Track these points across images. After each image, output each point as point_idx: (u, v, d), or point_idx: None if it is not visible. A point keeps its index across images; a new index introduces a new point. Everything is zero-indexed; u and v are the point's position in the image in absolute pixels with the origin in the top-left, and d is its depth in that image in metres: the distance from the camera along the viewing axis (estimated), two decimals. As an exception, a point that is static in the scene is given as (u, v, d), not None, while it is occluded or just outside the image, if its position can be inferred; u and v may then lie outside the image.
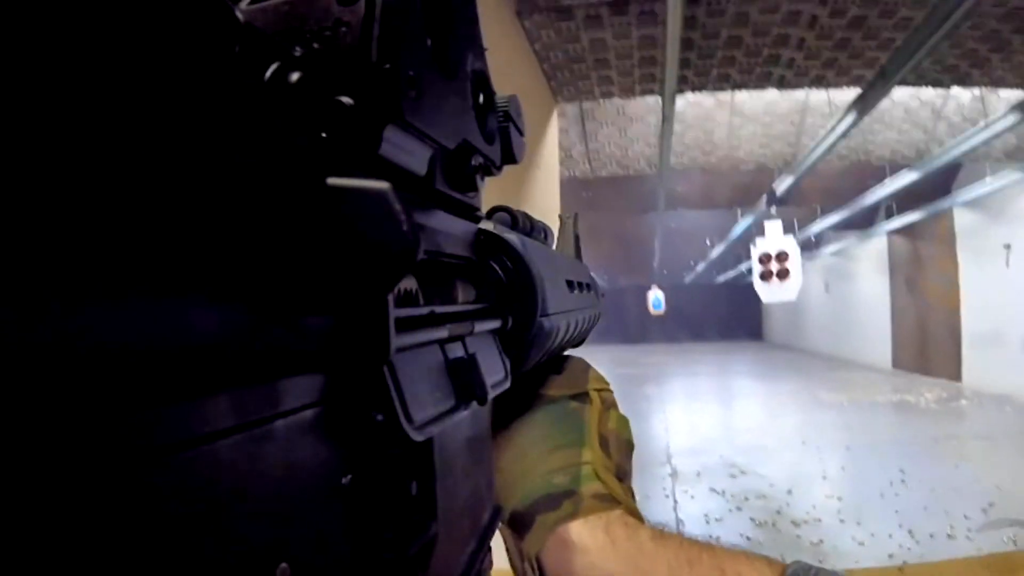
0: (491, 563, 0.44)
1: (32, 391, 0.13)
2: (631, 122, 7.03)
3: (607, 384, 0.75)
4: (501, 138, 0.46)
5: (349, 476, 0.27)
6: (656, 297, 21.34)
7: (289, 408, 0.23)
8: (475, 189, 0.41)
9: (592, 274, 0.84)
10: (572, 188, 8.85)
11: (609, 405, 0.72)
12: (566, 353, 0.75)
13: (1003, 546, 4.21)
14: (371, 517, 0.28)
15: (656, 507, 5.38)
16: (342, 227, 0.22)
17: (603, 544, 0.58)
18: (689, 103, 6.85)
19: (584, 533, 0.59)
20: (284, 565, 0.21)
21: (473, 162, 0.38)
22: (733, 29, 4.28)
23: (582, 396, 0.70)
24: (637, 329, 26.48)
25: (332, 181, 0.22)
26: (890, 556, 4.19)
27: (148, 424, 0.16)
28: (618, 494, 0.63)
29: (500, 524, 0.61)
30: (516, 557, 0.63)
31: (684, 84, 5.05)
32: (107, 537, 0.15)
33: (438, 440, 0.34)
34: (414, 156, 0.33)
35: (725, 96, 6.79)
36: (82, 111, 0.15)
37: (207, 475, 0.18)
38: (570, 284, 0.64)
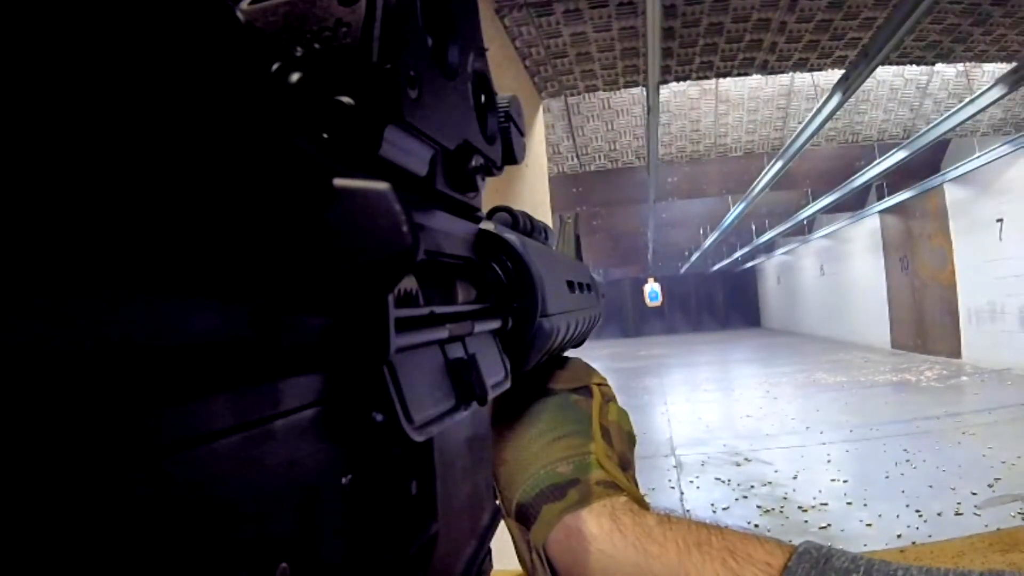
0: (491, 563, 0.44)
1: (32, 390, 0.13)
2: (617, 115, 7.03)
3: (605, 380, 0.75)
4: (502, 138, 0.46)
5: (349, 476, 0.27)
6: (653, 289, 21.44)
7: (289, 408, 0.23)
8: (475, 189, 0.41)
9: (592, 275, 0.84)
10: (562, 183, 8.85)
11: (609, 398, 0.72)
12: (566, 355, 0.76)
13: (1011, 522, 4.21)
14: (371, 517, 0.28)
15: (662, 499, 5.38)
16: (342, 227, 0.22)
17: (610, 530, 0.58)
18: (674, 93, 6.87)
19: (590, 521, 0.59)
20: (284, 565, 0.21)
21: (473, 162, 0.38)
22: (713, 16, 4.28)
23: (583, 390, 0.71)
24: (635, 322, 26.53)
25: (333, 182, 0.22)
26: (898, 536, 4.20)
27: (147, 423, 0.16)
28: (622, 482, 0.63)
29: (506, 516, 0.61)
30: (523, 549, 0.63)
31: (667, 74, 5.05)
32: (106, 536, 0.15)
33: (438, 440, 0.34)
34: (414, 156, 0.33)
35: (709, 84, 6.81)
36: (83, 111, 0.15)
37: (207, 475, 0.18)
38: (570, 284, 0.64)
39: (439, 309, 0.36)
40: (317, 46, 0.28)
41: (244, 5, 0.28)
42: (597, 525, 0.58)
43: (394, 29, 0.28)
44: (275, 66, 0.26)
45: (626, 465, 0.68)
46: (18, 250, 0.13)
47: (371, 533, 0.28)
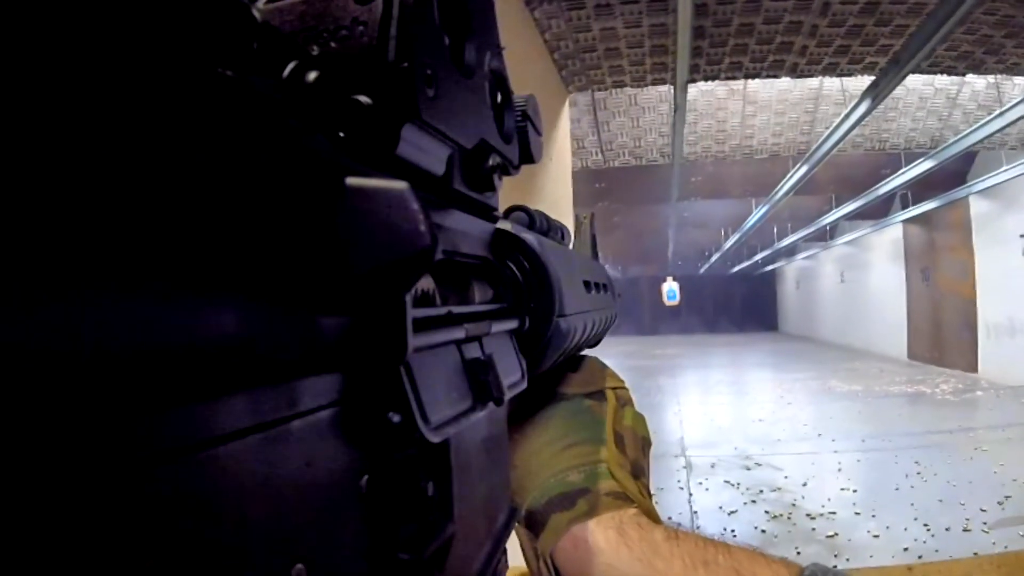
0: (507, 564, 0.44)
1: (50, 393, 0.13)
2: (643, 111, 7.01)
3: (623, 382, 0.74)
4: (519, 137, 0.46)
5: (366, 477, 0.26)
6: (671, 288, 21.42)
7: (306, 408, 0.23)
8: (492, 189, 0.40)
9: (608, 274, 0.84)
10: (585, 178, 8.84)
11: (624, 402, 0.72)
12: (582, 353, 0.75)
13: (1020, 542, 4.18)
14: (387, 518, 0.28)
15: (671, 499, 5.38)
16: (360, 227, 0.22)
17: (616, 544, 0.58)
18: (701, 92, 6.84)
19: (598, 533, 0.58)
20: (300, 566, 0.21)
21: (491, 162, 0.38)
22: (744, 16, 4.26)
23: (598, 394, 0.70)
24: (651, 320, 26.48)
25: (350, 181, 0.22)
26: (905, 550, 4.18)
27: (165, 425, 0.16)
28: (632, 493, 0.63)
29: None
30: (531, 556, 0.63)
31: (696, 73, 5.02)
32: (123, 538, 0.15)
33: (455, 441, 0.34)
34: (432, 155, 0.32)
35: (737, 84, 6.77)
36: (103, 110, 0.15)
37: (223, 476, 0.18)
38: (587, 284, 0.64)
39: (456, 309, 0.35)
40: (334, 45, 0.28)
41: (261, 4, 0.28)
42: (604, 538, 0.58)
43: (411, 28, 0.28)
44: (291, 65, 0.26)
45: (639, 472, 0.67)
46: (38, 251, 0.13)
47: (387, 534, 0.28)
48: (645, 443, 0.71)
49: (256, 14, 0.23)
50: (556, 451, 0.64)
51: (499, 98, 0.43)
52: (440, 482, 0.32)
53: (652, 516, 0.62)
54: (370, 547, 0.27)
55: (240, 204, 0.19)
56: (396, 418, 0.27)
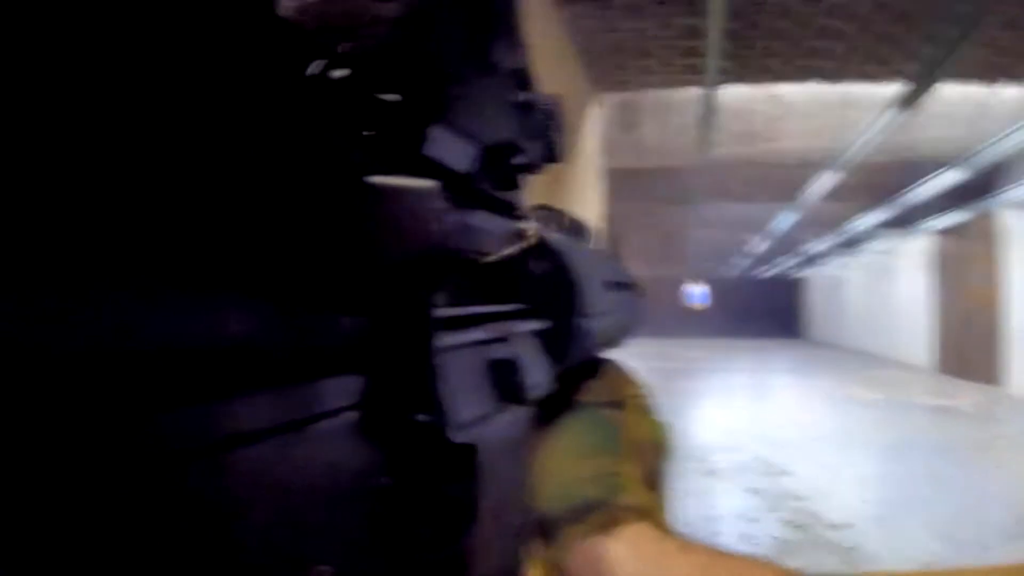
0: (527, 569, 0.44)
1: (69, 392, 0.13)
2: (672, 113, 6.98)
3: (642, 388, 0.73)
4: (543, 137, 0.45)
5: (389, 478, 0.26)
6: (696, 291, 21.40)
7: (329, 409, 0.22)
8: (516, 187, 0.40)
9: (631, 275, 0.84)
10: (613, 179, 8.83)
11: (644, 410, 0.71)
12: (602, 356, 0.75)
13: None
14: (411, 519, 0.28)
15: (690, 506, 5.35)
16: (385, 227, 0.22)
17: (630, 558, 0.58)
18: (731, 94, 6.81)
19: (610, 547, 0.58)
20: (323, 567, 0.21)
21: (515, 161, 0.38)
22: (775, 20, 4.24)
23: (616, 402, 0.69)
24: (674, 323, 26.40)
25: (375, 180, 0.22)
26: (924, 562, 4.14)
27: (187, 425, 0.16)
28: (648, 506, 0.63)
29: None
30: (543, 567, 0.63)
31: (726, 75, 5.00)
32: (145, 538, 0.15)
33: (479, 442, 0.34)
34: (456, 154, 0.32)
35: (767, 88, 6.74)
36: (124, 107, 0.15)
37: (245, 476, 0.18)
38: (610, 284, 0.63)
39: (480, 309, 0.35)
40: (359, 43, 0.28)
41: (286, 2, 0.28)
42: (617, 551, 0.58)
43: (436, 26, 0.28)
44: (317, 64, 0.26)
45: (655, 483, 0.67)
46: (54, 251, 0.13)
47: (410, 535, 0.28)
48: (664, 452, 0.71)
49: (280, 12, 0.23)
50: (572, 461, 0.63)
51: (524, 97, 0.43)
52: (464, 483, 0.32)
53: (666, 528, 0.62)
54: (393, 547, 0.27)
55: (264, 204, 0.19)
56: (421, 419, 0.27)
